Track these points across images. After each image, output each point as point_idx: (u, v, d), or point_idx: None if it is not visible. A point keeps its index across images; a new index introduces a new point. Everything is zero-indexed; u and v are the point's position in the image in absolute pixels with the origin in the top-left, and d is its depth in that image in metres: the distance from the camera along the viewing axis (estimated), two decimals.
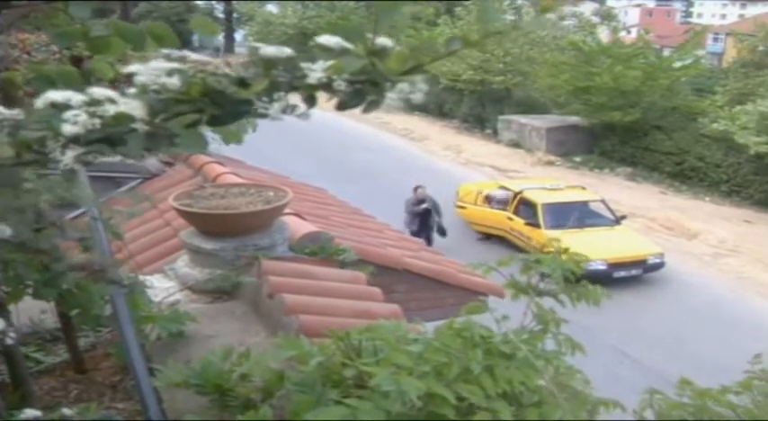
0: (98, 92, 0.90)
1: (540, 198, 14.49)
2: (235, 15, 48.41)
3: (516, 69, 25.66)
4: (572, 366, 1.90)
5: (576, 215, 14.34)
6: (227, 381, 2.01)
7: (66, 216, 2.43)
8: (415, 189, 13.94)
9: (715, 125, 18.94)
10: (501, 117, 25.04)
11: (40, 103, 0.90)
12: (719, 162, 19.31)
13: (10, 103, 1.52)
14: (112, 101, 0.89)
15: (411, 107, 28.14)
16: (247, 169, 7.32)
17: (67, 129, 0.87)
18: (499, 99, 26.15)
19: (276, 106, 0.92)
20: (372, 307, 3.54)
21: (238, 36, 50.18)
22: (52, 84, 1.13)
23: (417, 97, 0.93)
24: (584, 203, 15.07)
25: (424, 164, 21.38)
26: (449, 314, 2.22)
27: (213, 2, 47.10)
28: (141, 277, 3.15)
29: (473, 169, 21.05)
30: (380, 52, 0.91)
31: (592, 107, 21.60)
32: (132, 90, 0.91)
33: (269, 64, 0.91)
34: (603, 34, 25.58)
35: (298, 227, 4.30)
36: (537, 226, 13.91)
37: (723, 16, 66.97)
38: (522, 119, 24.19)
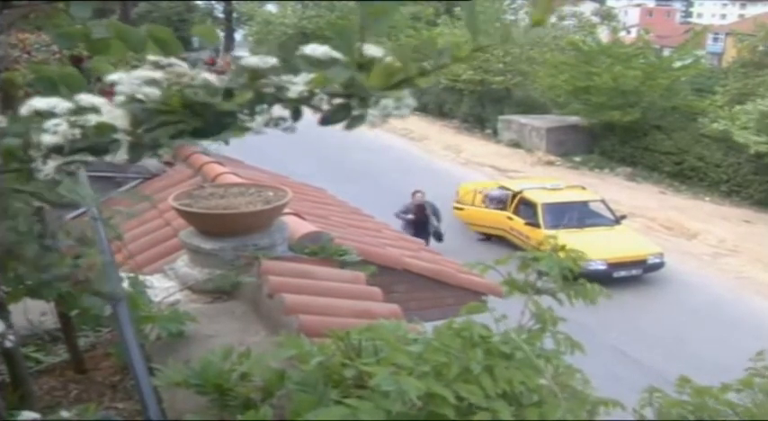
0: (85, 99, 0.87)
1: (540, 198, 14.50)
2: (234, 15, 48.41)
3: (516, 69, 25.67)
4: (571, 365, 1.90)
5: (575, 215, 14.36)
6: (227, 381, 2.01)
7: (66, 216, 2.43)
8: (414, 194, 13.36)
9: (715, 125, 18.95)
10: (501, 117, 25.05)
11: (24, 110, 0.88)
12: (719, 162, 19.32)
13: (10, 103, 1.53)
14: (96, 110, 0.86)
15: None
16: (247, 169, 7.32)
17: (47, 139, 0.85)
18: (499, 99, 26.16)
19: (259, 119, 0.89)
20: (372, 307, 3.54)
21: (238, 36, 50.19)
22: (53, 84, 1.13)
23: (404, 113, 0.88)
24: (584, 203, 15.07)
25: (423, 164, 21.39)
26: (448, 314, 2.23)
27: (213, 2, 47.08)
28: (141, 277, 3.16)
29: (473, 169, 21.05)
30: (368, 63, 0.86)
31: (591, 107, 21.60)
32: (118, 98, 0.88)
33: (254, 75, 0.88)
34: (603, 34, 25.60)
35: (297, 226, 4.31)
36: (537, 226, 13.91)
37: (723, 16, 66.99)
38: (522, 119, 24.19)
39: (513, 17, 28.20)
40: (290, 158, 16.51)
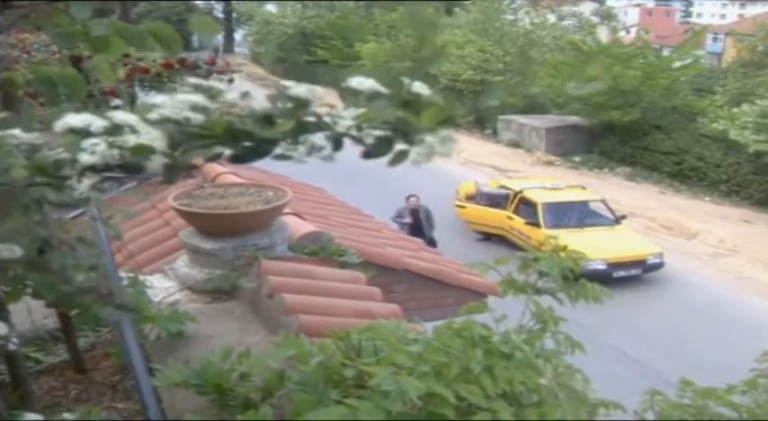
0: (119, 117, 0.87)
1: (540, 197, 14.51)
2: (234, 15, 48.42)
3: (516, 69, 25.67)
4: (571, 365, 1.90)
5: (575, 215, 14.38)
6: (227, 381, 2.01)
7: (66, 216, 2.43)
8: (408, 198, 13.04)
9: (714, 125, 18.95)
10: (501, 117, 25.05)
11: (58, 127, 0.88)
12: (719, 162, 19.32)
13: (10, 103, 1.52)
14: (133, 130, 0.86)
15: None
16: (246, 169, 7.31)
17: (85, 158, 0.85)
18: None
19: (301, 149, 0.89)
20: (372, 306, 3.54)
21: (238, 36, 50.19)
22: (53, 84, 1.12)
23: (447, 152, 0.88)
24: (584, 203, 15.08)
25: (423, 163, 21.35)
26: (448, 314, 2.22)
27: (213, 2, 47.10)
28: (141, 277, 3.16)
29: (473, 169, 21.05)
30: (414, 101, 0.86)
31: (591, 107, 21.60)
32: (153, 115, 0.88)
33: (298, 104, 0.88)
34: (603, 34, 25.60)
35: (297, 226, 4.30)
36: (537, 225, 13.92)
37: (722, 16, 66.99)
38: (522, 119, 24.20)
39: (512, 17, 28.21)
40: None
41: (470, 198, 15.77)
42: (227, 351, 2.15)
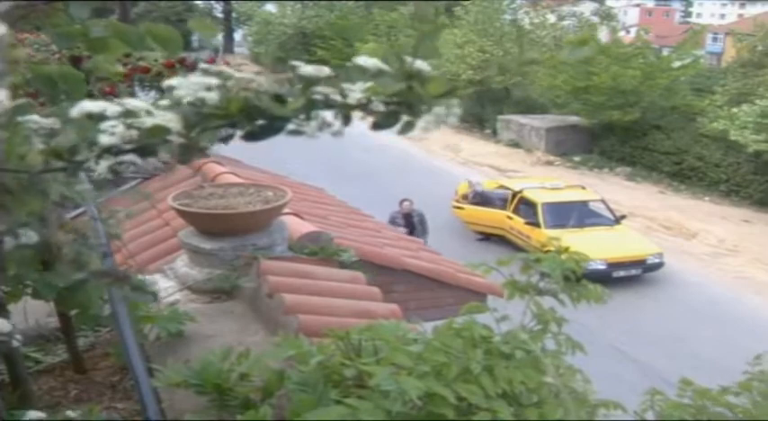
0: (132, 103, 0.92)
1: (539, 197, 14.51)
2: (234, 15, 48.41)
3: (515, 69, 25.67)
4: (572, 365, 1.90)
5: (575, 215, 14.38)
6: (227, 381, 2.00)
7: (65, 215, 2.42)
8: (401, 202, 12.65)
9: (714, 124, 18.95)
10: (500, 117, 25.06)
11: (75, 112, 0.92)
12: (718, 161, 19.33)
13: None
14: (149, 113, 0.91)
15: None
16: (246, 169, 7.32)
17: (105, 139, 0.89)
18: (498, 99, 26.16)
19: (313, 124, 0.93)
20: (372, 306, 3.54)
21: (237, 36, 50.18)
22: (52, 83, 1.13)
23: (452, 120, 0.94)
24: (584, 203, 15.08)
25: (422, 163, 21.40)
26: (448, 314, 2.22)
27: (212, 2, 47.07)
28: (141, 276, 3.15)
29: (472, 169, 21.05)
30: (418, 75, 0.92)
31: (591, 107, 21.60)
32: (165, 102, 0.93)
33: (307, 82, 0.93)
34: (603, 34, 25.60)
35: (297, 226, 4.30)
36: (537, 225, 13.93)
37: (722, 16, 66.97)
38: (522, 118, 24.21)
39: (512, 17, 28.20)
40: (289, 158, 16.50)
41: (464, 197, 15.78)
42: (226, 351, 2.15)
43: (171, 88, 0.92)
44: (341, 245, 4.36)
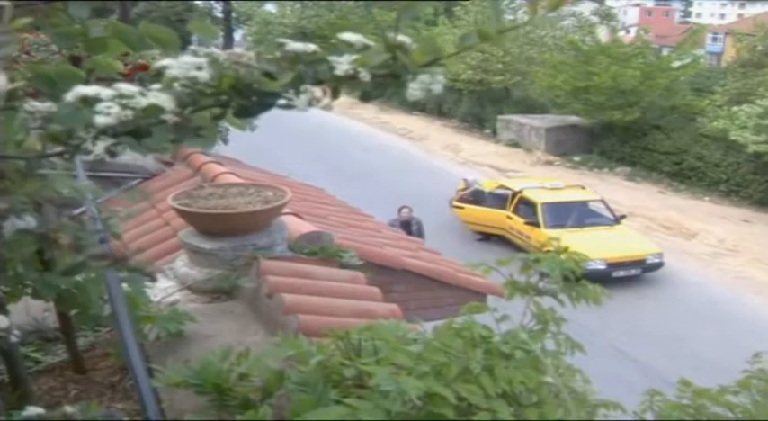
0: (125, 87, 0.93)
1: (539, 197, 14.52)
2: (234, 15, 48.40)
3: (515, 69, 25.67)
4: (572, 365, 1.90)
5: (575, 214, 14.38)
6: (227, 381, 2.00)
7: (65, 215, 2.42)
8: (400, 210, 12.38)
9: (714, 124, 18.96)
10: (500, 117, 25.06)
11: (70, 96, 0.93)
12: (718, 161, 19.33)
13: (9, 102, 1.52)
14: (143, 93, 0.93)
15: (410, 106, 28.15)
16: (246, 169, 7.32)
17: (101, 120, 0.91)
18: (498, 99, 26.16)
19: (303, 98, 0.95)
20: (371, 306, 3.54)
21: (237, 36, 50.17)
22: (52, 83, 1.13)
23: (437, 88, 0.98)
24: (584, 203, 15.09)
25: (422, 163, 21.40)
26: (448, 314, 2.22)
27: (212, 1, 47.06)
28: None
29: (472, 168, 21.06)
30: (401, 47, 0.96)
31: (591, 107, 21.60)
32: (157, 85, 0.95)
33: (295, 58, 0.95)
34: (603, 34, 25.59)
35: (296, 226, 4.30)
36: (537, 225, 13.94)
37: (722, 16, 66.97)
38: (522, 118, 24.21)
39: (512, 17, 28.18)
40: (289, 158, 16.51)
41: (462, 198, 15.76)
42: (226, 351, 2.15)
43: (162, 70, 0.94)
44: (341, 245, 4.36)
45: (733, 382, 2.05)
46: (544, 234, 12.99)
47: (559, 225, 13.49)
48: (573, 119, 23.01)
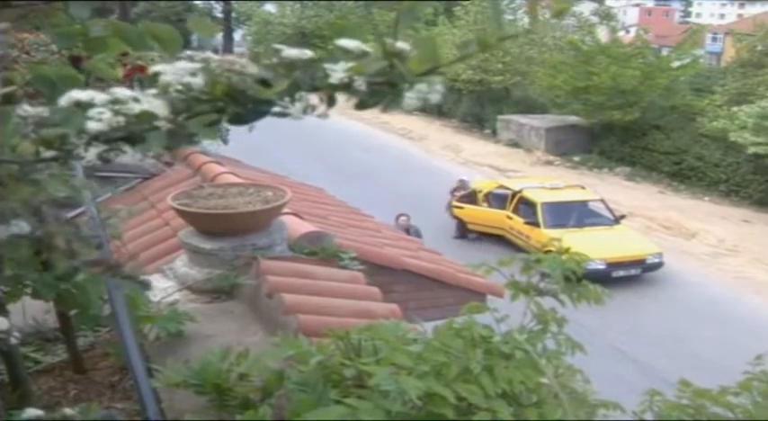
0: (120, 92, 0.92)
1: (539, 197, 14.52)
2: (233, 15, 48.40)
3: (515, 69, 25.67)
4: (572, 365, 1.90)
5: (575, 214, 14.39)
6: (226, 381, 2.00)
7: (64, 215, 2.42)
8: (398, 217, 12.34)
9: (714, 123, 18.96)
10: (500, 117, 25.06)
11: (63, 101, 0.92)
12: (718, 161, 19.33)
13: (9, 102, 1.52)
14: (136, 99, 0.91)
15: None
16: (245, 169, 7.32)
17: (92, 126, 0.89)
18: (498, 99, 26.16)
19: (298, 106, 0.94)
20: (371, 306, 3.54)
21: (237, 36, 50.17)
22: (51, 84, 1.13)
23: (435, 97, 0.95)
24: (584, 203, 15.10)
25: (422, 163, 21.40)
26: (448, 314, 2.22)
27: (212, 1, 47.06)
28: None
29: (472, 169, 21.06)
30: (399, 54, 0.94)
31: (591, 107, 21.61)
32: (152, 90, 0.93)
33: (291, 65, 0.93)
34: (602, 34, 25.59)
35: (296, 226, 4.30)
36: (536, 225, 13.94)
37: (722, 16, 66.96)
38: (521, 118, 24.21)
39: (512, 17, 28.17)
40: (289, 158, 16.51)
41: (459, 198, 15.76)
42: (226, 351, 2.15)
43: (157, 75, 0.93)
44: (341, 245, 4.36)
45: (733, 383, 2.05)
46: (544, 234, 13.00)
47: (559, 225, 13.49)
48: (573, 119, 23.01)
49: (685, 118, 20.98)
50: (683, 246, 15.53)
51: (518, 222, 14.56)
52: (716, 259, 14.99)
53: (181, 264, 3.82)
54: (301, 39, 37.92)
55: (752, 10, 45.95)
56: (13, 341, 1.77)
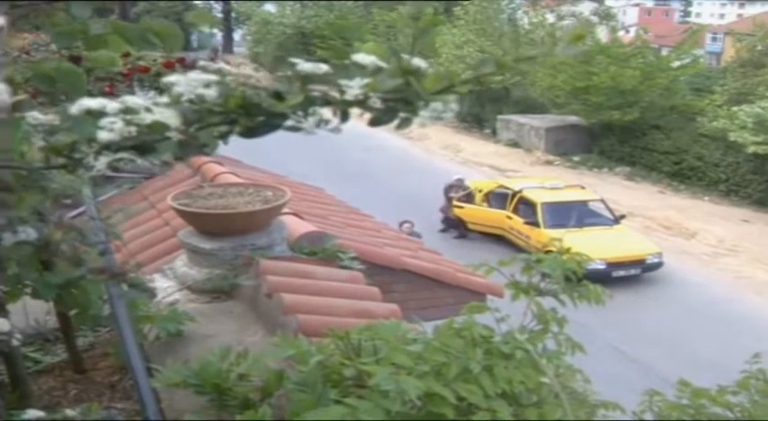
0: (131, 100, 0.91)
1: (539, 197, 14.52)
2: (233, 15, 48.39)
3: (515, 69, 25.63)
4: (572, 365, 1.90)
5: (575, 214, 14.38)
6: (226, 381, 2.00)
7: (65, 215, 2.42)
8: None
9: (714, 123, 18.95)
10: (500, 116, 25.05)
11: (74, 109, 0.91)
12: (718, 161, 19.32)
13: (16, 110, 1.52)
14: (148, 110, 0.90)
15: None
16: (245, 169, 7.31)
17: (103, 135, 0.89)
18: (498, 98, 26.15)
19: (311, 120, 0.93)
20: (371, 306, 3.53)
21: (237, 35, 50.17)
22: (51, 81, 1.13)
23: (449, 116, 0.95)
24: (584, 203, 15.09)
25: (422, 163, 21.39)
26: (447, 314, 2.22)
27: (212, 1, 47.06)
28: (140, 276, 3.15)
29: (472, 168, 21.06)
30: (415, 72, 0.93)
31: (590, 107, 21.60)
32: (164, 99, 0.92)
33: (305, 79, 0.92)
34: (602, 34, 25.60)
35: (296, 226, 4.30)
36: (536, 225, 13.94)
37: (722, 16, 66.94)
38: (521, 118, 24.21)
39: (511, 17, 28.18)
40: (288, 158, 16.49)
41: (457, 198, 15.75)
42: (225, 351, 2.15)
43: (170, 85, 0.92)
44: (341, 245, 4.36)
45: (732, 382, 2.05)
46: (544, 234, 13.00)
47: (559, 225, 13.49)
48: (572, 119, 23.00)
49: (685, 118, 20.96)
50: (683, 246, 15.53)
51: (518, 222, 14.56)
52: (716, 259, 14.99)
53: (181, 263, 3.82)
54: (301, 38, 37.94)
55: (752, 10, 45.95)
56: (15, 343, 1.77)
